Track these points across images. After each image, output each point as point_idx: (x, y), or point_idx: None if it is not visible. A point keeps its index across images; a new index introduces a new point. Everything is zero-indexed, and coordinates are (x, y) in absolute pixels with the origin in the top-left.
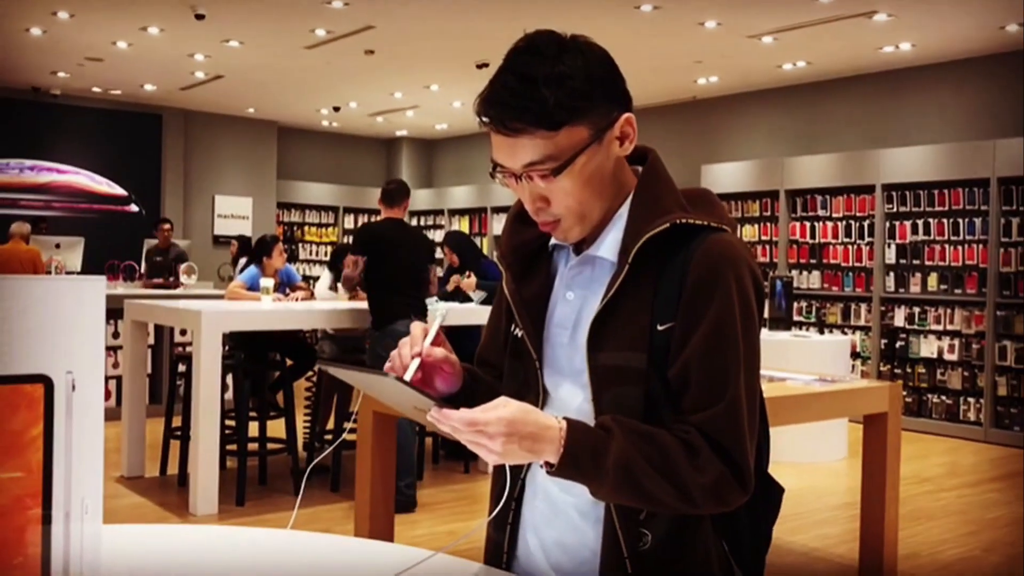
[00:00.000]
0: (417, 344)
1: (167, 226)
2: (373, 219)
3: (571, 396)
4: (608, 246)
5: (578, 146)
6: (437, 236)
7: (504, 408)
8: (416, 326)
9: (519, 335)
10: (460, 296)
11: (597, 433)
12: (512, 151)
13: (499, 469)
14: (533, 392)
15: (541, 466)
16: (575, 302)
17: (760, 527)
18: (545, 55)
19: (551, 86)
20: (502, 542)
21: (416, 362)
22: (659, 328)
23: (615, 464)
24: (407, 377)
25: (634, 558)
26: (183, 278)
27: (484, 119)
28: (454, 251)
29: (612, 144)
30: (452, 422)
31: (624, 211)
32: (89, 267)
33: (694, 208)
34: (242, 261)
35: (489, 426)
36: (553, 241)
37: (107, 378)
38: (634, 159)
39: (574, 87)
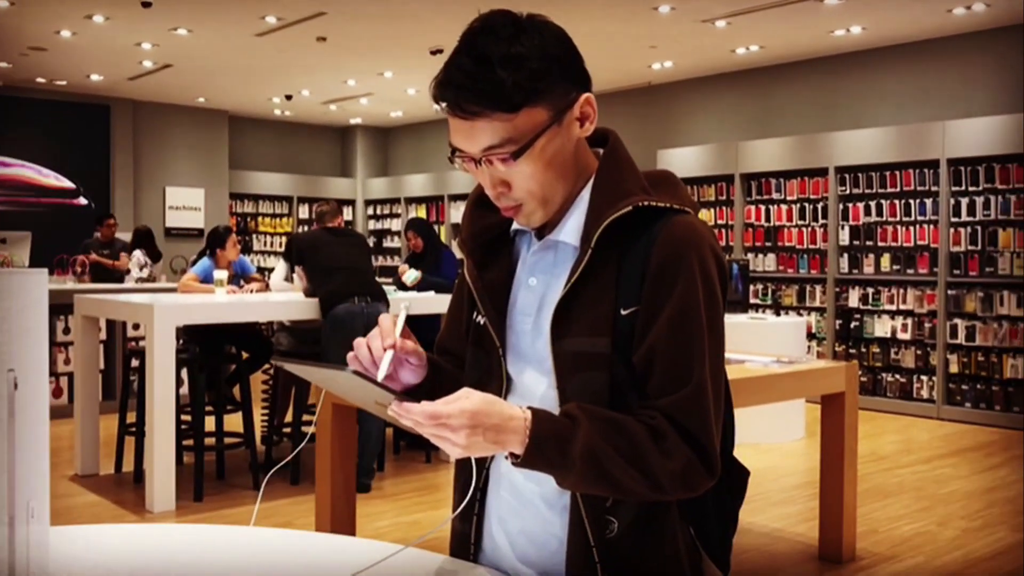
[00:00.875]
0: (389, 336)
1: (112, 220)
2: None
3: (535, 383)
4: (570, 230)
5: (537, 128)
6: (393, 225)
7: (467, 400)
8: (384, 318)
9: (481, 322)
10: (405, 289)
11: (562, 422)
12: (470, 135)
13: (463, 459)
14: (496, 380)
15: (506, 457)
16: (538, 288)
17: (726, 511)
18: (501, 35)
19: (507, 67)
20: (468, 533)
21: (390, 354)
22: (623, 312)
23: (581, 453)
24: (382, 370)
25: (601, 546)
26: (132, 267)
27: (440, 102)
28: (419, 235)
29: (572, 125)
30: (414, 416)
31: (586, 194)
32: (37, 262)
33: (656, 190)
34: (136, 253)
35: (452, 419)
36: (515, 226)
37: (59, 374)
38: (595, 141)
39: (531, 68)
